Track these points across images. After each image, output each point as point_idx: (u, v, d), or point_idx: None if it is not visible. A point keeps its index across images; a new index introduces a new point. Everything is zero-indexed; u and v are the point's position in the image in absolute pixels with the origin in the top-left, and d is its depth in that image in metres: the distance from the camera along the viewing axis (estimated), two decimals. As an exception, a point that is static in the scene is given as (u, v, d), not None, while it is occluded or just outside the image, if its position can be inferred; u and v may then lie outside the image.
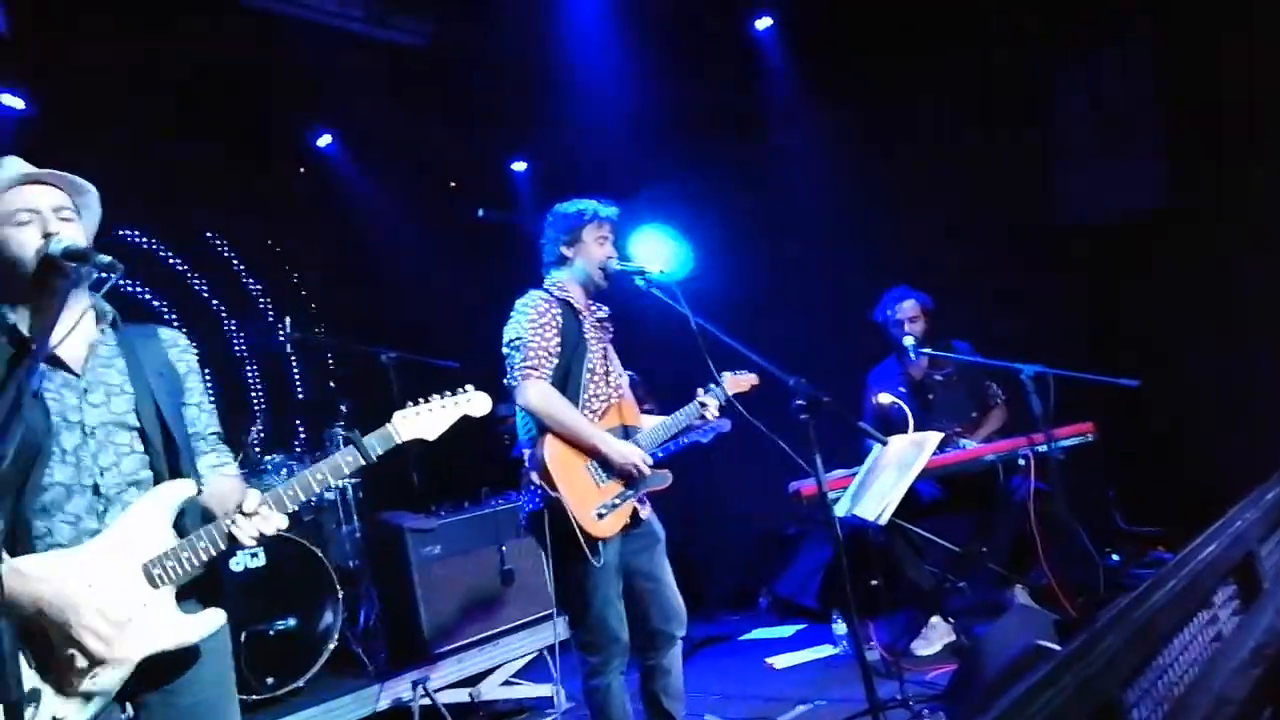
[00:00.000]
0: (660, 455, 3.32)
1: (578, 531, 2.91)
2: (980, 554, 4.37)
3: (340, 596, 4.12)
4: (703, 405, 3.25)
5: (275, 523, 1.97)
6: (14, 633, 1.49)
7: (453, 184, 6.92)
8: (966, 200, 5.24)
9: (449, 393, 2.20)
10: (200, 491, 2.04)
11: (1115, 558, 4.70)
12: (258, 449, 4.67)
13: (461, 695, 4.31)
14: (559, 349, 3.08)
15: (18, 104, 4.38)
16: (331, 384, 4.78)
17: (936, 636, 4.41)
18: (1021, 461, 4.14)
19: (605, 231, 3.24)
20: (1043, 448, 4.06)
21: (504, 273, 6.98)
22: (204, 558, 1.93)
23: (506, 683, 4.58)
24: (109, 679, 1.82)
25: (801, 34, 5.47)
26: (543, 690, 4.66)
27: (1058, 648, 2.46)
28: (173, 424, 2.05)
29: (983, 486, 4.40)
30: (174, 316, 6.37)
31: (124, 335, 2.08)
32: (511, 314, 3.14)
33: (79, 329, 1.95)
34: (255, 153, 5.70)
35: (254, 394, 6.69)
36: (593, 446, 3.02)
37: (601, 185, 3.45)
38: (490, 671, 4.46)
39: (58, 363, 1.94)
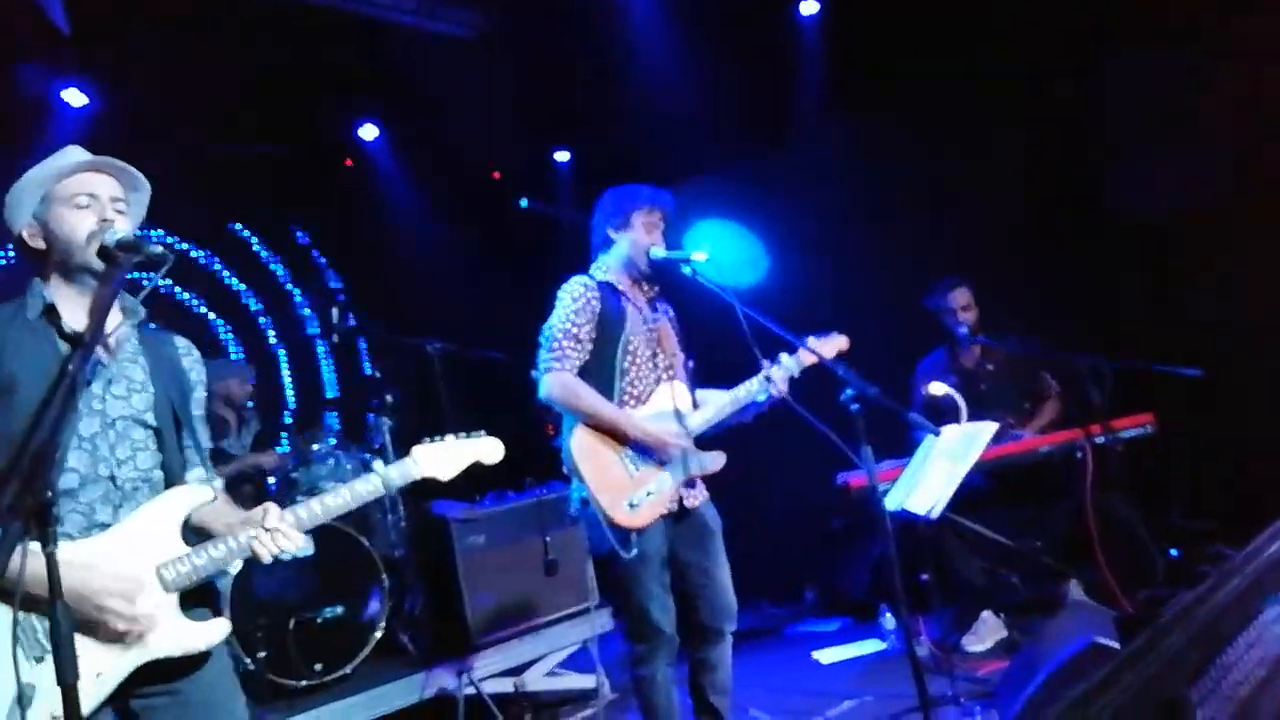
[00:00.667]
0: (706, 434, 3.17)
1: (606, 525, 2.88)
2: (1034, 548, 4.26)
3: (386, 586, 4.15)
4: (769, 380, 3.11)
5: (296, 541, 1.97)
6: (70, 616, 1.49)
7: (495, 174, 6.95)
8: (1020, 192, 5.12)
9: (465, 434, 2.22)
10: (214, 500, 2.05)
11: (1174, 552, 4.56)
12: (325, 442, 4.71)
13: (506, 685, 4.32)
14: (592, 335, 3.04)
15: (81, 100, 4.46)
16: (377, 374, 4.79)
17: (988, 632, 4.33)
18: (1079, 454, 4.03)
19: (655, 219, 3.19)
20: (1101, 439, 3.95)
21: (546, 264, 7.08)
22: (219, 567, 1.95)
23: (551, 673, 4.59)
24: (110, 678, 1.82)
25: (847, 25, 5.37)
26: (586, 681, 4.66)
27: (1117, 645, 2.38)
28: (183, 428, 2.08)
29: (1038, 479, 4.30)
30: (205, 305, 6.48)
31: (145, 335, 2.11)
32: (555, 301, 3.12)
33: (109, 321, 1.97)
34: (305, 146, 5.78)
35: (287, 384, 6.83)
36: (619, 430, 2.96)
37: (644, 177, 3.40)
38: (534, 662, 4.46)
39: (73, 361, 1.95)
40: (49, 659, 1.66)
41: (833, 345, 3.21)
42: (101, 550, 1.85)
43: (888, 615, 4.74)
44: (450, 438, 2.20)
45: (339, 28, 4.67)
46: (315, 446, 4.55)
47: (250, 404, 5.42)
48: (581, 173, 6.73)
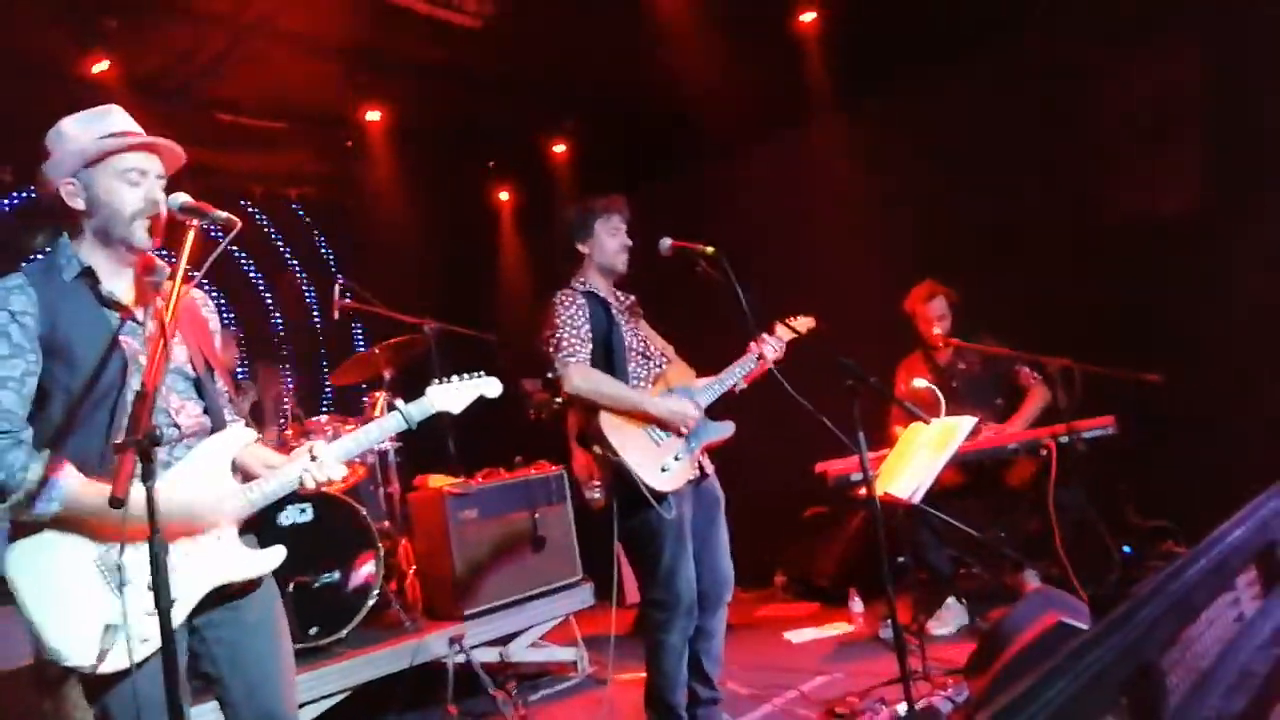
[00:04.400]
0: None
1: (643, 487, 3.07)
2: (998, 539, 4.51)
3: (381, 554, 4.28)
4: (755, 355, 3.42)
5: (339, 471, 2.16)
6: (166, 549, 1.63)
7: (490, 163, 7.05)
8: (1004, 195, 5.33)
9: (469, 375, 2.44)
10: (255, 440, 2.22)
11: (1127, 549, 4.83)
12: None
13: (491, 654, 4.49)
14: (590, 335, 3.27)
15: (103, 65, 4.49)
16: (376, 350, 4.91)
17: (951, 618, 4.57)
18: (1044, 451, 4.28)
19: (616, 222, 3.44)
20: (1064, 438, 4.20)
21: (536, 251, 7.23)
22: (271, 499, 2.11)
23: (534, 645, 4.76)
24: (184, 603, 1.97)
25: (844, 26, 5.53)
26: (567, 654, 4.84)
27: (1084, 626, 2.61)
28: (215, 375, 2.23)
29: (1002, 474, 4.55)
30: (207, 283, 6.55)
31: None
32: (544, 316, 3.33)
33: (140, 280, 2.10)
34: (311, 124, 5.85)
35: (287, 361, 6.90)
36: (642, 411, 3.19)
37: (640, 170, 3.58)
38: (519, 633, 4.63)
39: (125, 310, 2.06)
40: (129, 587, 1.82)
41: (803, 323, 3.58)
42: (171, 486, 1.98)
43: (856, 599, 4.97)
44: (456, 378, 2.43)
45: (350, 7, 4.73)
46: (315, 417, 4.66)
47: (243, 374, 5.50)
48: (578, 164, 6.86)
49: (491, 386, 2.46)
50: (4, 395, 1.90)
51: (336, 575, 4.14)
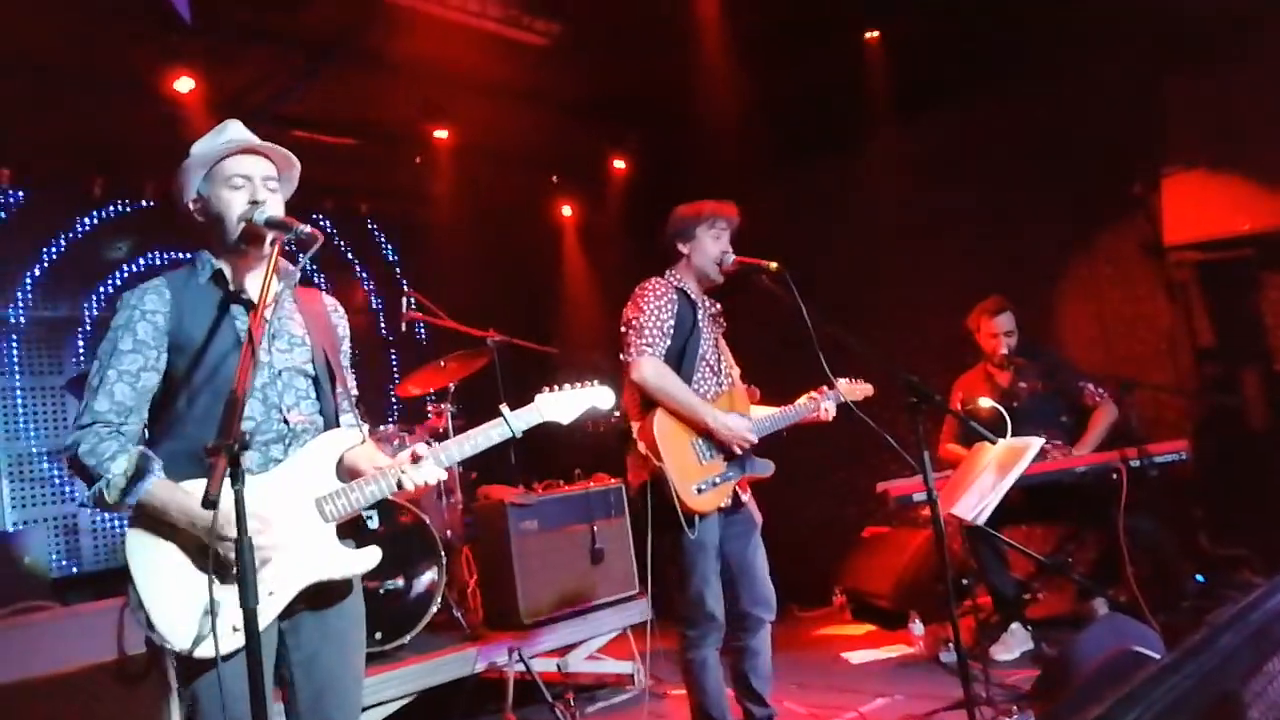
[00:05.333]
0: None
1: (676, 503, 3.09)
2: (1065, 564, 4.41)
3: (444, 563, 4.35)
4: (814, 402, 3.43)
5: (438, 474, 2.17)
6: (253, 548, 1.69)
7: (554, 178, 7.16)
8: (1069, 211, 5.25)
9: (579, 384, 2.39)
10: (364, 442, 2.25)
11: (1200, 578, 4.69)
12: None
13: (549, 665, 4.52)
14: (672, 330, 3.27)
15: (188, 84, 4.68)
16: (440, 362, 5.00)
17: (1015, 643, 4.47)
18: (1114, 475, 4.18)
19: (721, 227, 3.42)
20: (1135, 462, 4.10)
21: (604, 266, 7.31)
22: (371, 500, 2.15)
23: (591, 657, 4.78)
24: (281, 596, 2.03)
25: (907, 42, 5.51)
26: (624, 667, 4.86)
27: (1155, 655, 2.54)
28: (337, 377, 2.30)
29: (1073, 497, 4.45)
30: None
31: (299, 293, 2.32)
32: (633, 296, 3.34)
33: (268, 281, 2.16)
34: (382, 140, 6.02)
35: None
36: (701, 421, 3.19)
37: (701, 187, 3.61)
38: (576, 645, 4.66)
39: (250, 308, 2.15)
40: (231, 579, 1.89)
41: (860, 391, 3.61)
42: (274, 485, 2.07)
43: (917, 621, 4.90)
44: (569, 386, 2.37)
45: (421, 27, 4.86)
46: (381, 428, 4.77)
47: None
48: (637, 181, 6.93)
49: (604, 397, 2.38)
50: (118, 388, 2.04)
51: (401, 582, 4.21)
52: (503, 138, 6.20)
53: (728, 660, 3.35)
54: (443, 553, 4.38)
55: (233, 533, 1.70)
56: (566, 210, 7.65)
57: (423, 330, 7.21)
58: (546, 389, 2.35)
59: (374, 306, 7.36)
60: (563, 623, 4.55)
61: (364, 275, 7.35)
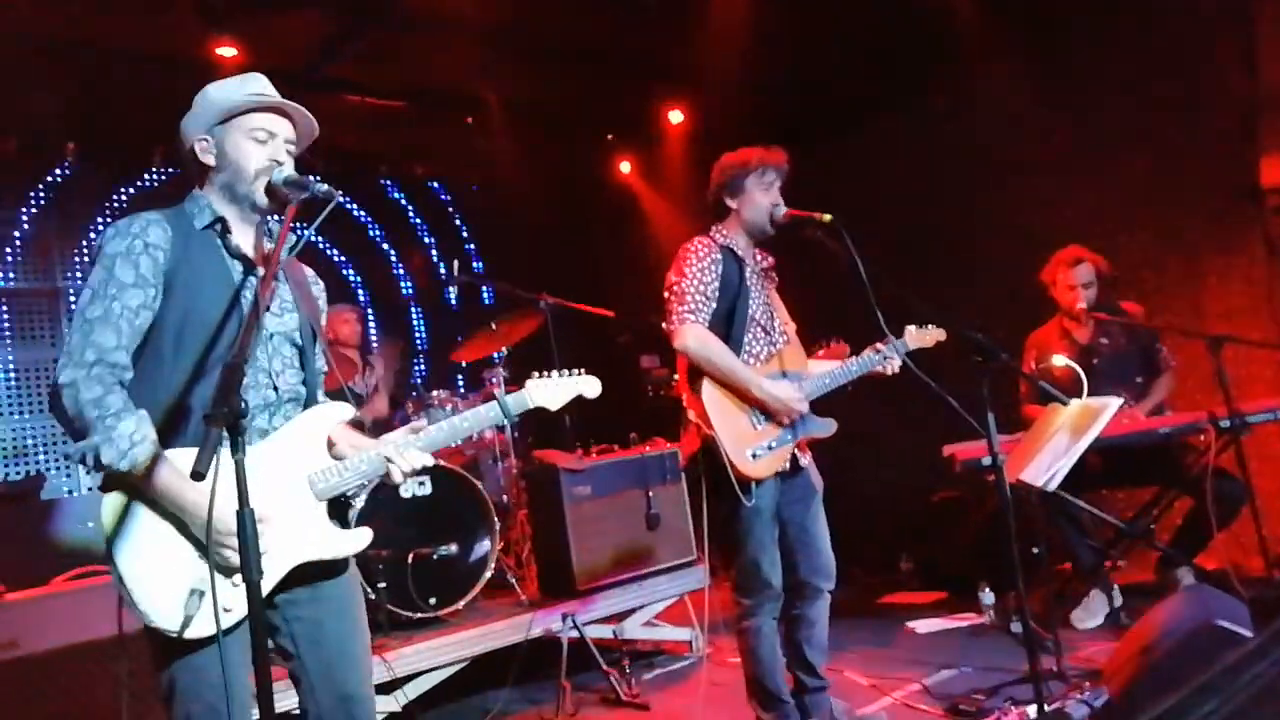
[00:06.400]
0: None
1: (730, 471, 2.97)
2: (1148, 531, 4.17)
3: (497, 529, 4.32)
4: (880, 356, 3.24)
5: (425, 460, 2.08)
6: (254, 519, 1.61)
7: (609, 136, 7.01)
8: (1158, 160, 4.91)
9: (568, 371, 2.39)
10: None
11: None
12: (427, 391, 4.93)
13: (605, 631, 4.48)
14: (717, 294, 3.12)
15: (230, 52, 4.67)
16: (493, 325, 4.95)
17: (1098, 608, 4.27)
18: (1201, 436, 3.91)
19: (770, 178, 3.23)
20: (1225, 422, 3.81)
21: (648, 228, 7.18)
22: (362, 479, 2.06)
23: (648, 624, 4.73)
24: (270, 576, 1.93)
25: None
26: (682, 634, 4.79)
27: (1245, 632, 2.35)
28: (317, 350, 2.21)
29: (1154, 460, 4.19)
30: (344, 257, 6.81)
31: (285, 261, 2.20)
32: (676, 259, 3.19)
33: (260, 242, 2.10)
34: (430, 104, 5.95)
35: (418, 335, 7.11)
36: (747, 390, 3.05)
37: (759, 139, 3.41)
38: (633, 611, 4.60)
39: (249, 263, 2.07)
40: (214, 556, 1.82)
41: (932, 336, 3.40)
42: (265, 457, 1.98)
43: (986, 590, 4.71)
44: (555, 374, 2.37)
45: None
46: (433, 392, 4.75)
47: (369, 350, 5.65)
48: (696, 133, 6.72)
49: (590, 386, 2.40)
50: (123, 323, 1.89)
51: (454, 548, 4.20)
52: (555, 94, 6.07)
53: (783, 628, 3.24)
54: (496, 518, 4.35)
55: (230, 533, 1.61)
56: (625, 167, 7.47)
57: (484, 295, 7.21)
58: (537, 375, 2.36)
59: (438, 271, 7.33)
60: (618, 588, 4.50)
61: (427, 239, 7.34)
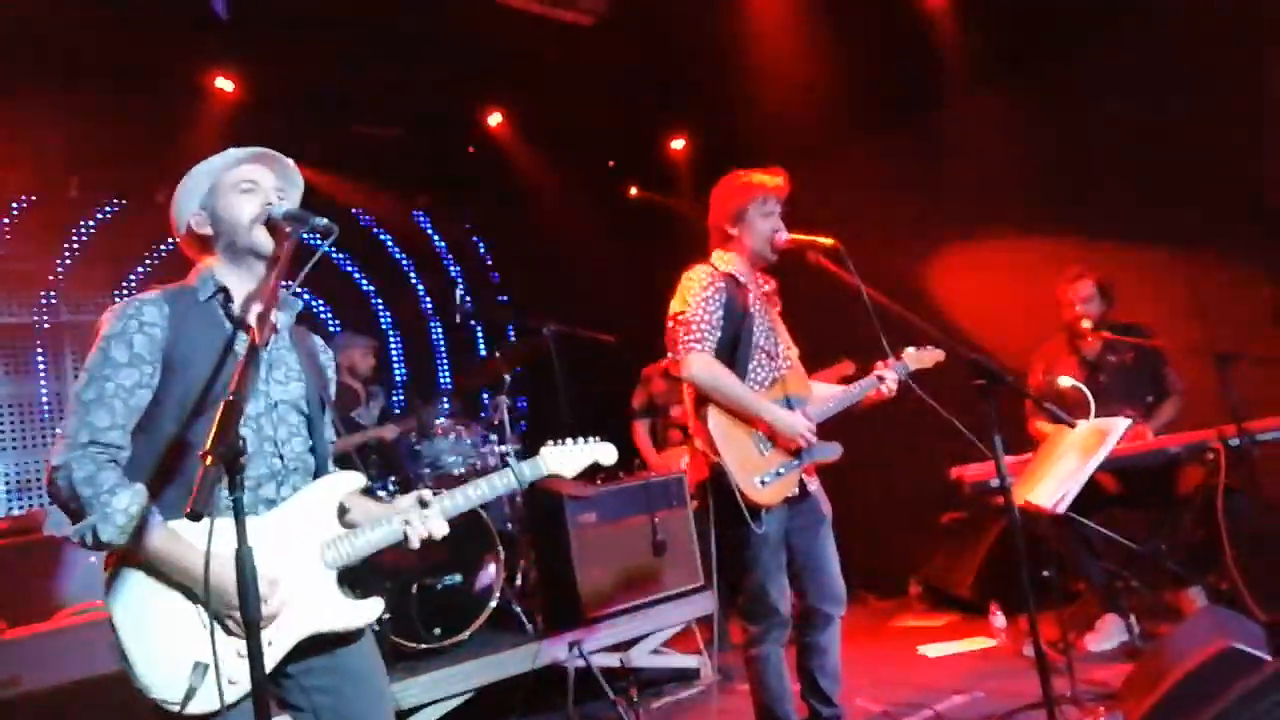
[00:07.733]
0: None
1: (739, 498, 2.94)
2: (1158, 552, 4.12)
3: (502, 558, 4.29)
4: (880, 379, 3.22)
5: (443, 528, 2.09)
6: (253, 563, 1.56)
7: (610, 163, 7.02)
8: (1161, 177, 4.90)
9: (584, 439, 2.41)
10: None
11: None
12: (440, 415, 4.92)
13: (612, 660, 4.42)
14: (722, 322, 3.10)
15: (228, 86, 4.69)
16: (496, 355, 4.93)
17: (1111, 631, 4.21)
18: (1210, 455, 3.87)
19: (771, 206, 3.21)
20: (1234, 440, 3.78)
21: (661, 249, 7.15)
22: (374, 549, 2.03)
23: (655, 651, 4.67)
24: (278, 647, 1.90)
25: (975, 7, 5.21)
26: (690, 661, 4.73)
27: (1261, 655, 2.30)
28: (326, 419, 2.18)
29: (1164, 480, 4.15)
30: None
31: (293, 328, 2.21)
32: (678, 289, 3.18)
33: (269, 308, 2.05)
34: (430, 130, 5.97)
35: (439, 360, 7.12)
36: (756, 418, 3.03)
37: (762, 163, 3.40)
38: (640, 639, 4.55)
39: (251, 331, 1.99)
40: (218, 629, 1.80)
41: (931, 357, 3.38)
42: (273, 527, 1.95)
43: (998, 613, 4.65)
44: (570, 441, 2.38)
45: (466, 10, 4.78)
46: (438, 420, 4.73)
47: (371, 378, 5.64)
48: (698, 160, 6.74)
49: (606, 453, 2.42)
50: (117, 403, 1.87)
51: (459, 578, 4.17)
52: (556, 122, 6.09)
53: (795, 657, 3.20)
54: (501, 547, 4.32)
55: (235, 602, 1.58)
56: (633, 190, 7.47)
57: (478, 323, 7.17)
58: (551, 442, 2.38)
59: (422, 299, 7.24)
60: (625, 616, 4.44)
61: (412, 270, 7.31)
